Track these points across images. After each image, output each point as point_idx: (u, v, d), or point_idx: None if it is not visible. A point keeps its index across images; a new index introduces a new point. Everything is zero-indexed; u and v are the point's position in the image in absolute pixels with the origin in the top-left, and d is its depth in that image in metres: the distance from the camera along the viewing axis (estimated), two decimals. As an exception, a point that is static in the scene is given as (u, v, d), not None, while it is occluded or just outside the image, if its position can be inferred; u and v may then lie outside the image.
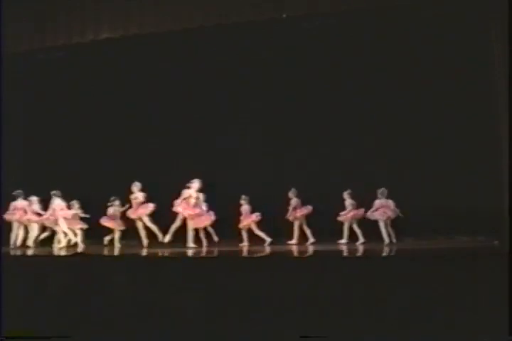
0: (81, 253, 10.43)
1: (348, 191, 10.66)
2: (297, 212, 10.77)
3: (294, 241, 10.80)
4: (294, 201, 10.78)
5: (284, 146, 11.84)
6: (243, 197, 10.90)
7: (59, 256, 10.47)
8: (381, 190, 10.31)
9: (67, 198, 11.53)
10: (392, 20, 10.48)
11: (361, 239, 10.45)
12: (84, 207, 11.45)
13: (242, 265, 8.49)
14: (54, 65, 12.46)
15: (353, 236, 10.56)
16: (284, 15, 10.39)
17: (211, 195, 11.09)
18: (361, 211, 10.53)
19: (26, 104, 12.47)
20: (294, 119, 11.70)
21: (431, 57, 10.66)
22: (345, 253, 9.40)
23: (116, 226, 11.22)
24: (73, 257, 10.19)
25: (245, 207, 10.87)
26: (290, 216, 10.80)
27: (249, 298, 7.09)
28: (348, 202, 10.67)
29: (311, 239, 10.74)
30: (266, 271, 7.64)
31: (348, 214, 10.62)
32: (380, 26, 10.64)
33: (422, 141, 10.80)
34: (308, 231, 10.83)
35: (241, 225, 10.87)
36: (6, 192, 11.62)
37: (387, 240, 10.21)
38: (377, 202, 10.32)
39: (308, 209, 10.77)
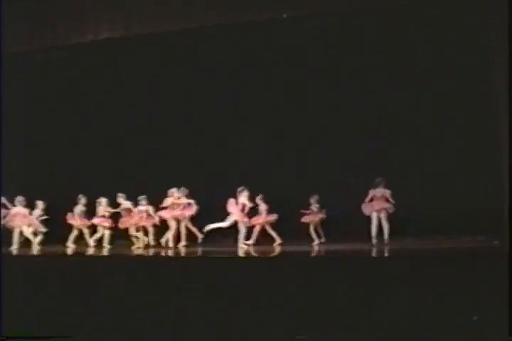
0: (81, 253, 10.45)
1: (260, 196, 10.70)
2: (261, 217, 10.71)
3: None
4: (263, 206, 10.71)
5: (284, 146, 11.83)
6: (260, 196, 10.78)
7: (59, 256, 10.47)
8: (316, 196, 10.75)
9: (67, 198, 11.55)
10: (392, 20, 10.46)
11: (278, 241, 10.56)
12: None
13: (242, 265, 8.50)
14: (54, 65, 12.45)
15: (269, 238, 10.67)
16: (284, 15, 10.37)
17: (211, 195, 11.10)
18: (273, 216, 10.67)
19: (26, 104, 12.45)
20: (294, 119, 11.70)
21: (431, 57, 10.65)
22: (345, 254, 9.39)
23: (103, 226, 11.24)
24: (73, 257, 10.22)
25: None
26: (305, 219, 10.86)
27: (249, 299, 7.09)
28: (262, 206, 10.70)
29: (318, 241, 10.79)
30: (266, 272, 7.65)
31: (260, 219, 10.66)
32: (380, 26, 10.62)
33: (422, 141, 10.80)
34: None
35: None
36: (5, 192, 11.63)
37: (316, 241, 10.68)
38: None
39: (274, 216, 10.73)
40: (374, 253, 9.25)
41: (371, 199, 10.28)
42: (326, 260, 8.57)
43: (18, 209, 11.44)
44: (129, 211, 11.19)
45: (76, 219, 11.40)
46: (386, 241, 10.05)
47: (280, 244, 10.52)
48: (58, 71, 12.59)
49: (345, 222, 10.73)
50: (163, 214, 10.92)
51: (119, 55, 12.17)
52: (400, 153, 10.91)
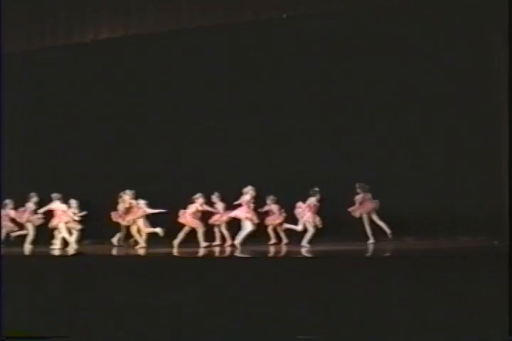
0: (81, 253, 10.44)
1: (216, 194, 10.69)
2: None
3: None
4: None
5: (284, 145, 11.83)
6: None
7: (59, 256, 10.47)
8: (271, 197, 10.57)
9: (67, 198, 11.56)
10: (392, 20, 10.47)
11: (217, 242, 10.64)
12: (83, 207, 11.52)
13: (241, 265, 8.50)
14: (54, 65, 12.46)
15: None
16: (284, 16, 10.38)
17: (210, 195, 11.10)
18: (230, 213, 10.59)
19: (26, 104, 12.46)
20: (294, 119, 11.70)
21: (431, 57, 10.66)
22: (345, 254, 9.40)
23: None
24: (73, 257, 10.21)
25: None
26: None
27: (249, 299, 7.09)
28: (219, 205, 10.67)
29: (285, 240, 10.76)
30: (266, 272, 7.65)
31: (221, 217, 10.65)
32: (380, 26, 10.63)
33: (422, 141, 10.80)
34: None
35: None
36: (6, 192, 11.63)
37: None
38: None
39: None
40: (374, 253, 9.25)
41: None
42: (326, 260, 8.56)
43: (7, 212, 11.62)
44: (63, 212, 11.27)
45: (123, 217, 11.21)
46: (390, 237, 10.11)
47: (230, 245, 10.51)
48: (58, 71, 12.59)
49: (344, 222, 10.73)
50: (240, 214, 10.49)
51: (119, 55, 12.17)
52: (400, 153, 10.91)
